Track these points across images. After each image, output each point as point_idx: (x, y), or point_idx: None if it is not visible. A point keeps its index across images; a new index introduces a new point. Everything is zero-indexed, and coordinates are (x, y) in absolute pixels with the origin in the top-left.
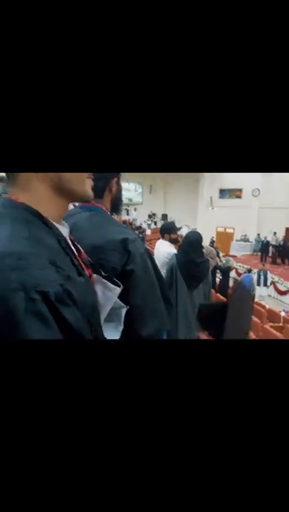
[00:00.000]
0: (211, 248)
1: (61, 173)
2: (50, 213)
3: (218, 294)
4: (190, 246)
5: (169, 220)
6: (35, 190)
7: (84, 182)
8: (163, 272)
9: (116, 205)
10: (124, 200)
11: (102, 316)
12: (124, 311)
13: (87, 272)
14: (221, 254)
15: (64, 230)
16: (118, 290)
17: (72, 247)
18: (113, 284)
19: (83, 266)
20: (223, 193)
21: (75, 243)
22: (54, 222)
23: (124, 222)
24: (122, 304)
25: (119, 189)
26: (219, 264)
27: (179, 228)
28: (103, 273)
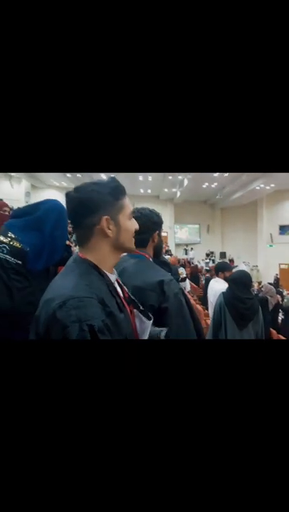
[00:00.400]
0: (270, 286)
1: (119, 235)
2: (106, 265)
3: (280, 335)
4: (234, 283)
5: (228, 257)
6: (100, 250)
7: (132, 240)
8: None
9: (158, 252)
10: (181, 241)
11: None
12: (163, 334)
13: (128, 308)
14: (285, 292)
15: (113, 277)
16: (149, 323)
17: (119, 289)
18: (146, 317)
19: (125, 303)
20: (284, 229)
21: (122, 285)
22: (107, 272)
23: (182, 261)
24: (159, 330)
25: (160, 239)
26: (281, 302)
27: (234, 266)
28: (141, 308)
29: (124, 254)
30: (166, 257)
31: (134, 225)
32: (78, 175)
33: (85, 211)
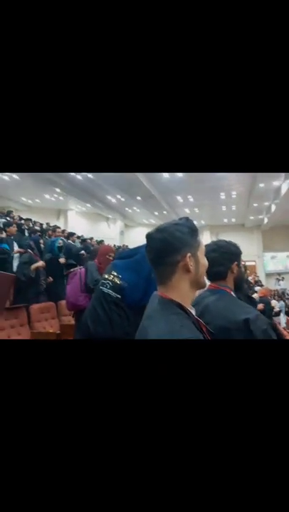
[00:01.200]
0: None
1: (198, 270)
2: (187, 302)
3: None
4: None
5: None
6: (181, 287)
7: (205, 276)
8: None
9: (239, 284)
10: (273, 270)
11: None
12: None
13: None
14: None
15: (193, 312)
16: None
17: (199, 323)
18: None
19: (207, 336)
20: None
21: (200, 321)
22: (188, 308)
23: (274, 292)
24: None
25: (240, 270)
26: None
27: None
28: None
29: (203, 290)
30: (257, 288)
31: (206, 261)
32: (164, 212)
33: (170, 249)
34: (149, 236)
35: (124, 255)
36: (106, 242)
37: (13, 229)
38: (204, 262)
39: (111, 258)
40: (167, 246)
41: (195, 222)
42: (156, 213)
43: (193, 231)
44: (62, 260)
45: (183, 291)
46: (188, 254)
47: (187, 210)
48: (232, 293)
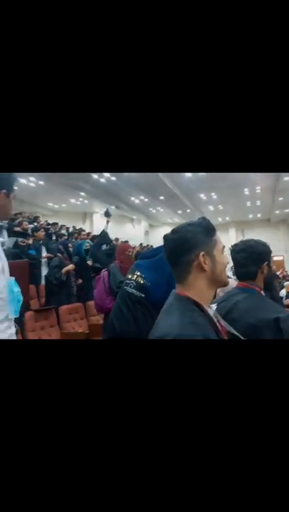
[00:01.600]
0: None
1: (215, 268)
2: (204, 301)
3: None
4: None
5: None
6: (198, 286)
7: (225, 273)
8: None
9: (269, 283)
10: None
11: None
12: None
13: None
14: None
15: (211, 311)
16: None
17: (216, 322)
18: None
19: (223, 335)
20: None
21: (219, 319)
22: (205, 307)
23: None
24: None
25: (270, 270)
26: None
27: None
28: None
29: (231, 288)
30: (286, 283)
31: (226, 258)
32: (188, 210)
33: (183, 249)
34: (164, 238)
35: (147, 255)
36: (131, 243)
37: (41, 233)
38: (222, 260)
39: (130, 253)
40: (180, 246)
41: (220, 219)
42: (179, 212)
43: (209, 230)
44: (90, 263)
45: (200, 290)
46: (202, 253)
47: (211, 208)
48: (261, 292)
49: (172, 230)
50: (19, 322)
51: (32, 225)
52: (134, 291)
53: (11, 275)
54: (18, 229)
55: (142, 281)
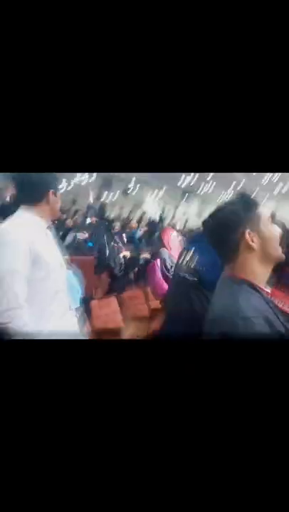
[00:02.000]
0: None
1: (265, 245)
2: (258, 280)
3: None
4: None
5: None
6: (248, 267)
7: (279, 248)
8: None
9: None
10: None
11: None
12: None
13: None
14: None
15: (266, 292)
16: None
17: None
18: None
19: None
20: None
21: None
22: (262, 287)
23: None
24: None
25: None
26: None
27: None
28: None
29: None
30: None
31: (277, 230)
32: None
33: (225, 231)
34: (204, 223)
35: (198, 238)
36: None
37: (94, 219)
38: (271, 233)
39: (176, 235)
40: (222, 229)
41: None
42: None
43: (249, 205)
44: (142, 251)
45: (251, 269)
46: (247, 231)
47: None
48: None
49: (211, 214)
50: (87, 311)
51: (89, 220)
52: (186, 275)
53: (79, 269)
54: (70, 224)
55: (192, 265)
